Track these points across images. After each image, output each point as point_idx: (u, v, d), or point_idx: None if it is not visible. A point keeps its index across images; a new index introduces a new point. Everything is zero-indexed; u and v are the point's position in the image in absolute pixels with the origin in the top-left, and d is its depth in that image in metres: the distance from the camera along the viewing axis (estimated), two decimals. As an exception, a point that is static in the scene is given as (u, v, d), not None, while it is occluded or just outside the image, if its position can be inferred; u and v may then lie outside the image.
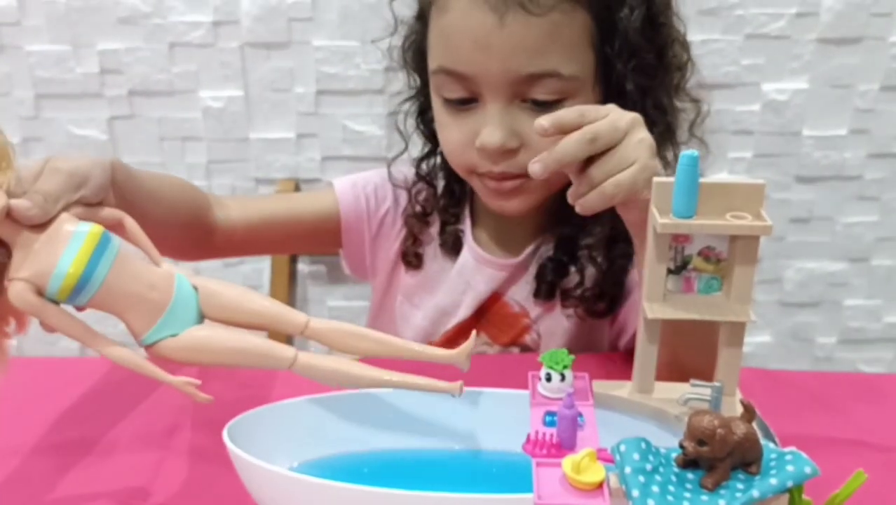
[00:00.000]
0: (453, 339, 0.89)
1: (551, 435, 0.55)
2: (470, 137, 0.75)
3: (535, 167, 0.61)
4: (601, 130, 0.60)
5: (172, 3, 1.17)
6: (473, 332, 0.58)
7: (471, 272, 0.87)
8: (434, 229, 0.89)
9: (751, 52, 1.20)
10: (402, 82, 1.19)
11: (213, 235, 0.79)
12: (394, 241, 0.91)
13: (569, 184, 0.80)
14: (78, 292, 0.51)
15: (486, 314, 0.88)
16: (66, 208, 0.53)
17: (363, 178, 0.91)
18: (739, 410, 0.57)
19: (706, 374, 0.61)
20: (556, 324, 0.86)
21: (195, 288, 0.56)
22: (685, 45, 0.78)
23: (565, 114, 0.60)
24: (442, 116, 0.78)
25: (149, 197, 0.67)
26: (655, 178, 0.54)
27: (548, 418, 0.58)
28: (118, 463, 0.64)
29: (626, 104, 0.76)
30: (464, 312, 0.88)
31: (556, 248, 0.85)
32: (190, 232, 0.76)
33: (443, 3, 0.73)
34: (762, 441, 0.47)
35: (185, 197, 0.75)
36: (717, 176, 1.12)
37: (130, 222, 0.57)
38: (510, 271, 0.87)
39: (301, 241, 0.93)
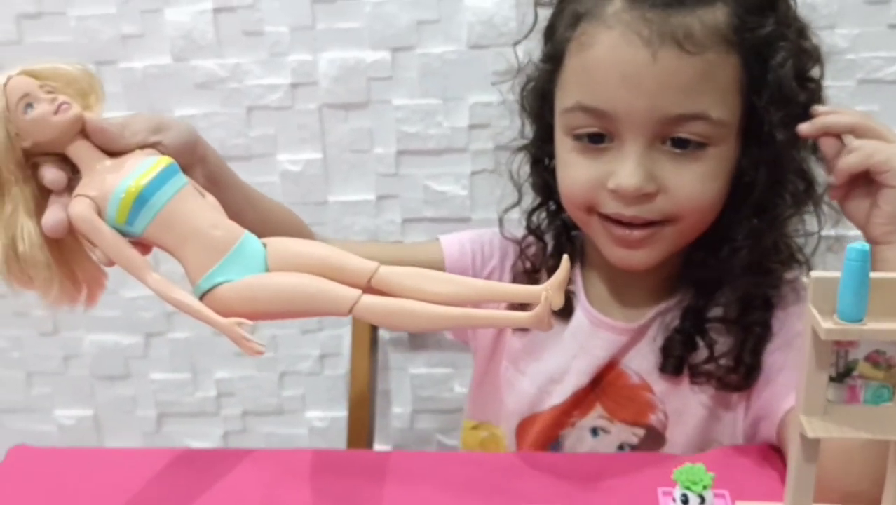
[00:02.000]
0: (568, 410, 0.82)
1: (698, 578, 0.47)
2: (600, 178, 0.71)
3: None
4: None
5: (249, 66, 1.14)
6: (565, 257, 0.50)
7: (585, 336, 0.81)
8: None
9: (864, 98, 1.10)
10: (483, 140, 1.15)
11: None
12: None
13: (699, 237, 0.74)
14: (135, 214, 0.50)
15: (602, 383, 0.82)
16: (143, 149, 0.54)
17: (469, 234, 0.89)
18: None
19: (863, 498, 0.53)
20: (685, 404, 0.79)
21: (264, 246, 0.53)
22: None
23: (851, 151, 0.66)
24: (568, 156, 0.74)
25: (244, 198, 0.65)
26: (814, 274, 0.47)
27: (689, 553, 0.51)
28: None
29: (769, 156, 0.71)
30: (575, 379, 0.82)
31: (682, 318, 0.78)
32: None
33: (587, 39, 0.70)
34: None
35: (286, 216, 0.74)
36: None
37: (211, 198, 0.56)
38: (630, 336, 0.80)
39: None
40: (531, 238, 0.85)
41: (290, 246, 0.53)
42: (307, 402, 1.32)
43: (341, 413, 1.28)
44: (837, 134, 0.68)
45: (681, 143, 0.69)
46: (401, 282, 0.51)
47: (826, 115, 0.68)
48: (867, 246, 0.45)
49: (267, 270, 0.52)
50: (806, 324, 0.48)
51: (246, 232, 0.53)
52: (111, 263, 0.51)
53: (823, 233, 0.78)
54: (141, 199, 0.50)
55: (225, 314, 0.49)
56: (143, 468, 0.72)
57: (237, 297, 0.50)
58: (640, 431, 0.81)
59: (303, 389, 1.31)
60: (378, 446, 1.28)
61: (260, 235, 0.55)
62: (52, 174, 0.51)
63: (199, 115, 1.17)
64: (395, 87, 1.14)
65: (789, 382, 0.73)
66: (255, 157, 1.19)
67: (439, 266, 0.85)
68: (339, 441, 1.29)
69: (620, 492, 0.68)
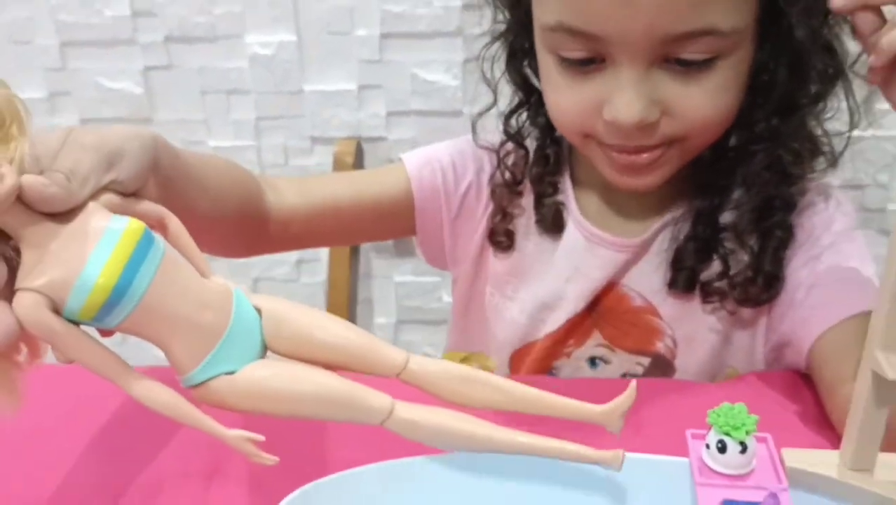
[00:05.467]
0: (562, 339, 0.72)
1: (741, 546, 0.39)
2: (594, 104, 0.60)
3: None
4: None
5: (212, -68, 1.00)
6: (633, 384, 0.43)
7: (580, 255, 0.71)
8: (526, 201, 0.74)
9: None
10: (482, 21, 1.02)
11: (266, 226, 0.65)
12: (479, 220, 0.75)
13: (712, 145, 0.64)
14: (108, 311, 0.38)
15: (600, 307, 0.72)
16: (94, 197, 0.40)
17: (437, 149, 0.76)
18: None
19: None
20: (696, 328, 0.70)
21: (258, 310, 0.42)
22: None
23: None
24: (554, 76, 0.62)
25: (196, 186, 0.53)
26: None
27: (727, 512, 0.42)
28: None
29: (791, 53, 0.61)
30: (571, 304, 0.72)
31: (694, 223, 0.68)
32: (239, 224, 0.62)
33: None
34: None
35: (236, 184, 0.61)
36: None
37: (175, 224, 0.43)
38: (631, 253, 0.70)
39: (368, 230, 0.79)
40: (510, 145, 0.73)
41: (294, 323, 0.43)
42: (283, 310, 1.24)
43: (320, 323, 1.20)
44: (877, 6, 0.56)
45: (685, 62, 0.58)
46: (436, 382, 0.43)
47: None
48: None
49: (264, 343, 0.42)
50: (892, 241, 0.37)
51: (235, 294, 0.42)
52: (72, 362, 0.40)
53: (856, 133, 0.67)
54: (115, 295, 0.38)
55: (222, 409, 0.41)
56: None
57: (240, 393, 0.41)
58: (646, 361, 0.72)
59: (279, 296, 1.22)
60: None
61: (215, 217, 0.51)
62: None
63: (156, -11, 1.04)
64: (379, -42, 1.02)
65: (820, 301, 0.64)
66: (220, 39, 1.07)
67: (405, 192, 0.74)
68: (317, 353, 1.21)
69: (634, 426, 0.59)
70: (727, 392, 0.64)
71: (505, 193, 0.73)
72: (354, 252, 1.10)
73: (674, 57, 0.57)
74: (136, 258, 0.39)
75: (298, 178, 0.73)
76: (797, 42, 0.60)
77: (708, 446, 0.44)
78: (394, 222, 0.75)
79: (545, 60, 0.63)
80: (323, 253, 1.16)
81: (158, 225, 0.43)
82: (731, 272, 0.67)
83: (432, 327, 1.23)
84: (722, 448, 0.43)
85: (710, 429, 0.44)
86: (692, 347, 0.71)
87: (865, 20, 0.57)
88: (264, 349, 0.43)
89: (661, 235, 0.70)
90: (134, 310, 0.39)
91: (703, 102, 0.59)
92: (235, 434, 0.40)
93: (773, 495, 0.38)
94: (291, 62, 1.08)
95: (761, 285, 0.67)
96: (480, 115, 0.73)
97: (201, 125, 1.14)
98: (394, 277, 1.21)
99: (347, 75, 1.08)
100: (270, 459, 0.41)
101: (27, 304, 0.37)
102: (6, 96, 0.37)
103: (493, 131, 0.73)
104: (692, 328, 0.70)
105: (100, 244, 0.38)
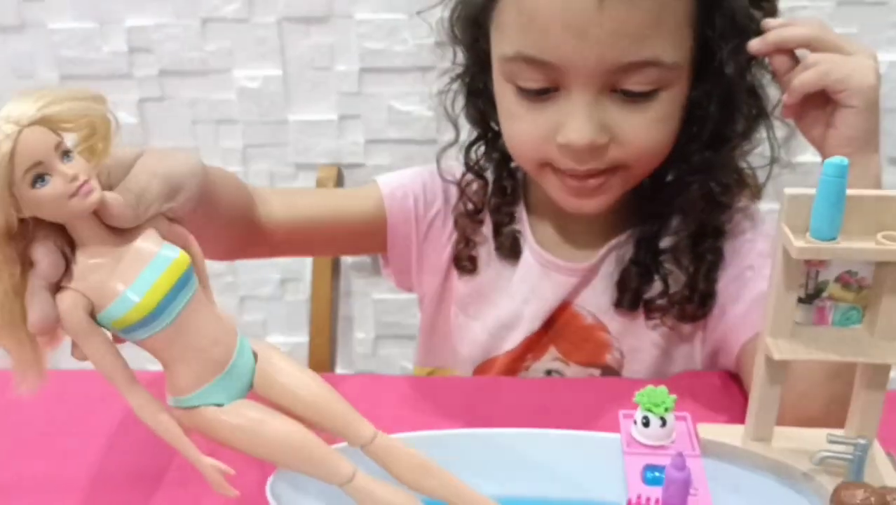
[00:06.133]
0: (521, 355, 0.80)
1: (656, 501, 0.46)
2: (548, 131, 0.66)
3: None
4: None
5: (203, -26, 1.08)
6: None
7: (535, 279, 0.78)
8: (486, 229, 0.80)
9: (842, 19, 1.07)
10: (445, 57, 1.10)
11: (254, 235, 0.70)
12: (445, 245, 0.81)
13: (651, 176, 0.72)
14: (137, 328, 0.42)
15: (555, 325, 0.79)
16: (151, 220, 0.44)
17: (410, 175, 0.82)
18: (887, 468, 0.48)
19: (822, 423, 0.52)
20: (640, 341, 0.77)
21: (255, 355, 0.47)
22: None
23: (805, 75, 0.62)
24: (512, 106, 0.68)
25: (215, 202, 0.57)
26: (788, 190, 0.45)
27: (648, 474, 0.49)
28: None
29: (721, 87, 0.68)
30: (528, 324, 0.78)
31: (636, 249, 0.75)
32: (235, 232, 0.66)
33: None
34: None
35: (238, 196, 0.65)
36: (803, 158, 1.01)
37: (196, 249, 0.47)
38: (581, 276, 0.77)
39: (343, 244, 0.84)
40: (470, 176, 0.78)
41: (282, 377, 0.47)
42: (268, 327, 1.30)
43: (303, 339, 1.25)
44: (790, 49, 0.64)
45: (631, 93, 0.65)
46: (394, 463, 0.47)
47: (779, 30, 0.64)
48: (846, 161, 0.42)
49: (251, 385, 0.47)
50: (776, 243, 0.45)
51: (239, 340, 0.46)
52: (84, 360, 0.43)
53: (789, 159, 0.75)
54: (150, 318, 0.42)
55: (204, 436, 0.45)
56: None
57: (226, 425, 0.45)
58: (596, 372, 0.78)
59: (263, 314, 1.29)
60: (340, 372, 1.27)
61: (221, 227, 0.56)
62: (49, 263, 0.40)
63: (151, 27, 1.11)
64: (358, 0, 1.09)
65: (745, 313, 0.71)
66: (211, 73, 1.14)
67: (380, 213, 0.79)
68: (300, 366, 1.27)
69: (581, 415, 0.67)
70: (666, 385, 0.72)
71: (467, 223, 0.79)
72: (336, 271, 1.17)
73: (621, 88, 0.64)
74: (176, 289, 0.42)
75: (285, 191, 0.79)
76: (727, 80, 0.66)
77: (635, 422, 0.51)
78: (368, 239, 0.80)
79: (503, 92, 0.68)
80: (306, 272, 1.23)
81: (182, 246, 0.46)
82: (671, 291, 0.74)
83: (408, 342, 1.28)
84: (646, 423, 0.51)
85: (637, 408, 0.52)
86: (638, 359, 0.77)
87: (780, 61, 0.65)
88: (249, 389, 0.46)
89: (607, 260, 0.76)
90: (158, 333, 0.42)
91: (646, 130, 0.66)
92: (209, 462, 0.44)
93: (680, 455, 0.45)
94: (277, 94, 1.14)
95: (697, 303, 0.74)
96: (444, 149, 0.78)
97: (192, 153, 1.20)
98: (373, 294, 1.27)
99: (329, 106, 1.15)
100: (232, 491, 0.45)
101: (70, 302, 0.40)
102: (103, 114, 0.40)
103: (456, 163, 0.79)
104: (637, 341, 0.77)
105: (149, 267, 0.42)
